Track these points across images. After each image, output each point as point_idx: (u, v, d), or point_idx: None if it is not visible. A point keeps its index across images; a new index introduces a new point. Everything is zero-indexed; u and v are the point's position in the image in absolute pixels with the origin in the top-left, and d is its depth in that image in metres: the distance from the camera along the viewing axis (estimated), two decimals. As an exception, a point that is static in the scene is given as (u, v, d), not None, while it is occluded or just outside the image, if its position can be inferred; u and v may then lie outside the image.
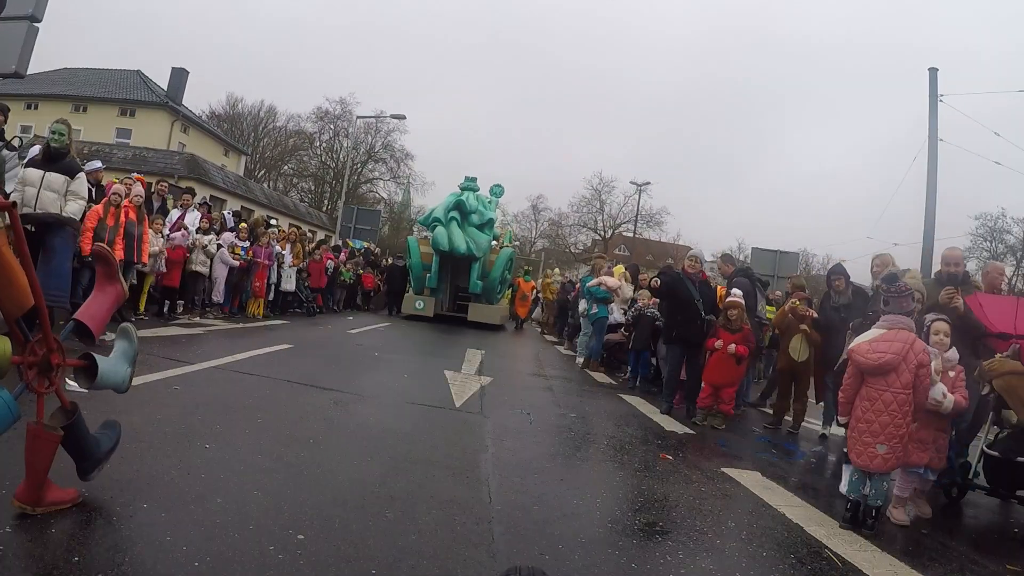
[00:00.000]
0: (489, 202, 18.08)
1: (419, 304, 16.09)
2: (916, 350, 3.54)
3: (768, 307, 7.90)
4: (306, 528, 2.38)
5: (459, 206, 16.50)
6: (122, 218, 7.45)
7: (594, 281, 10.02)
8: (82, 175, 5.97)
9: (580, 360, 10.46)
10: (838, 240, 79.99)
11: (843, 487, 3.70)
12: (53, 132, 5.77)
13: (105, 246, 2.74)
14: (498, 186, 19.74)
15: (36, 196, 5.52)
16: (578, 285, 13.53)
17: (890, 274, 4.03)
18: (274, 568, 2.04)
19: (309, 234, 16.61)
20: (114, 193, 7.48)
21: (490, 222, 17.16)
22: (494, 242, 17.61)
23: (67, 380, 2.78)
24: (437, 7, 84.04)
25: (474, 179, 17.88)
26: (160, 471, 2.74)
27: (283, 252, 12.22)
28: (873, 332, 3.72)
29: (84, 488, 2.36)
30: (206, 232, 9.71)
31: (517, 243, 33.12)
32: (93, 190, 7.83)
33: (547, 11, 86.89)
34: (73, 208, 5.80)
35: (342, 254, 17.08)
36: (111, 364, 2.45)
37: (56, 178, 5.63)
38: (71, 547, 2.00)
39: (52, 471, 2.21)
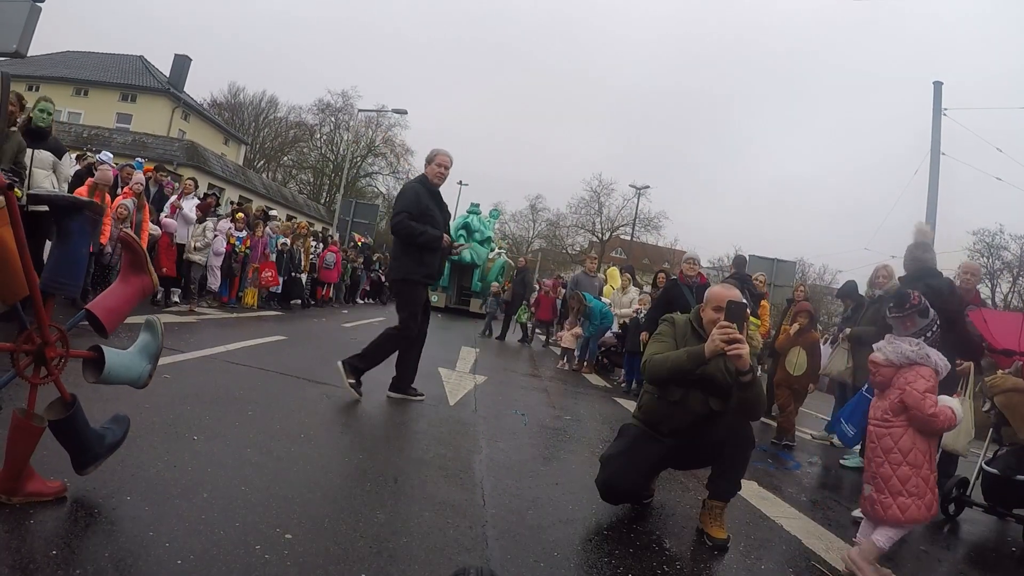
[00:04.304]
0: (488, 222, 23.91)
1: (433, 298, 21.38)
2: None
3: (752, 318, 7.79)
4: (294, 527, 2.30)
5: (466, 226, 22.27)
6: (114, 202, 7.38)
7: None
8: (67, 156, 5.89)
9: (564, 361, 10.56)
10: (835, 251, 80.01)
11: None
12: (41, 111, 5.68)
13: (131, 233, 2.63)
14: (496, 210, 27.32)
15: (28, 174, 5.43)
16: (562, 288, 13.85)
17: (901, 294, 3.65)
18: (260, 568, 1.97)
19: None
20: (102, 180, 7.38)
21: (488, 239, 22.82)
22: (491, 253, 23.46)
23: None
24: (442, 6, 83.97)
25: (477, 205, 24.06)
26: (145, 462, 2.66)
27: (285, 240, 12.25)
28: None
29: (65, 476, 2.28)
30: (201, 220, 9.61)
31: (507, 249, 35.52)
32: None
33: (545, 11, 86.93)
34: (64, 190, 5.72)
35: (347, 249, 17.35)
36: (126, 359, 2.31)
37: (45, 156, 5.55)
38: (49, 540, 1.93)
39: (47, 462, 2.14)
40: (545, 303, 14.04)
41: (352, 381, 4.93)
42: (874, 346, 3.13)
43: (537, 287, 16.54)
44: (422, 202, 5.09)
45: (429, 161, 5.28)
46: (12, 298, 1.99)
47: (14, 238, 1.93)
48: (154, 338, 2.47)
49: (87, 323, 2.27)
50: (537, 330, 15.48)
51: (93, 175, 7.43)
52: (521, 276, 15.87)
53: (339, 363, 5.03)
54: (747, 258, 11.11)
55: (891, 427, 2.93)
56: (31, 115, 5.75)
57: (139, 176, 8.35)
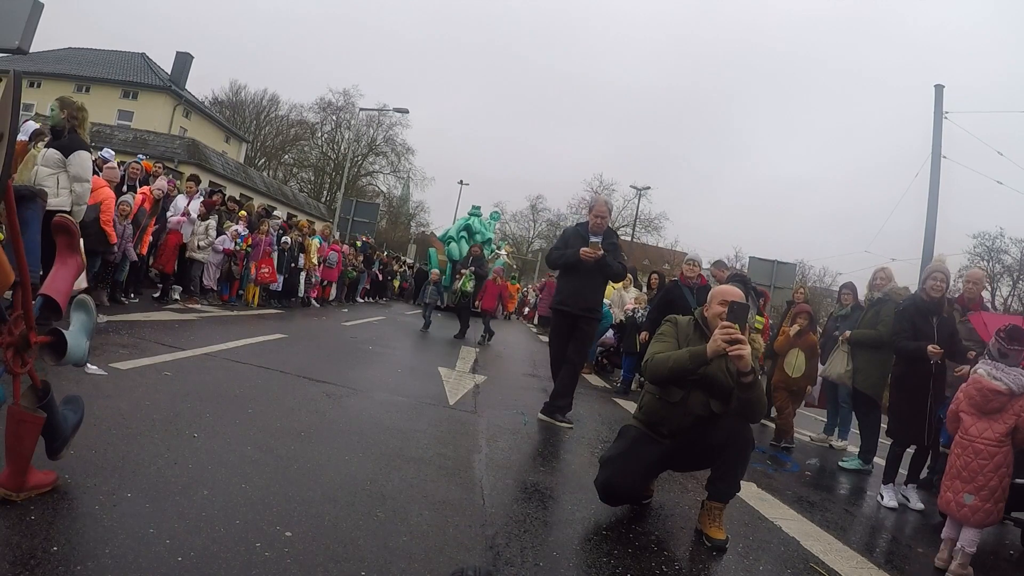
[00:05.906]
0: (489, 224, 24.15)
1: None
2: None
3: (758, 317, 7.77)
4: (294, 525, 2.31)
5: (467, 228, 22.62)
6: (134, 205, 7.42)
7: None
8: (81, 155, 5.76)
9: None
10: (835, 253, 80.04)
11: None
12: (51, 110, 5.68)
13: (68, 216, 2.63)
14: (496, 212, 27.34)
15: (34, 173, 5.42)
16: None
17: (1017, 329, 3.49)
18: (260, 566, 1.97)
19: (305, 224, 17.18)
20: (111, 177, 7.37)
21: (488, 240, 23.10)
22: (490, 254, 23.33)
23: None
24: (443, 6, 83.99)
25: (478, 207, 24.19)
26: (146, 459, 2.67)
27: (287, 239, 12.28)
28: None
29: (66, 472, 2.29)
30: (204, 218, 9.61)
31: (511, 251, 36.65)
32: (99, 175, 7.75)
33: (545, 12, 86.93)
34: (78, 190, 5.64)
35: (344, 247, 17.35)
36: (73, 339, 2.34)
37: (51, 154, 5.51)
38: (50, 536, 1.93)
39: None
40: (491, 290, 12.98)
41: (561, 419, 5.43)
42: (989, 375, 3.44)
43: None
44: (565, 237, 5.94)
45: (589, 210, 5.94)
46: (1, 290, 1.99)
47: (10, 228, 1.93)
48: (89, 316, 2.52)
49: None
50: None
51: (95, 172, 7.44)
52: (476, 263, 13.59)
53: (542, 416, 5.46)
54: (735, 267, 11.05)
55: (1004, 446, 3.39)
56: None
57: (162, 183, 8.37)
